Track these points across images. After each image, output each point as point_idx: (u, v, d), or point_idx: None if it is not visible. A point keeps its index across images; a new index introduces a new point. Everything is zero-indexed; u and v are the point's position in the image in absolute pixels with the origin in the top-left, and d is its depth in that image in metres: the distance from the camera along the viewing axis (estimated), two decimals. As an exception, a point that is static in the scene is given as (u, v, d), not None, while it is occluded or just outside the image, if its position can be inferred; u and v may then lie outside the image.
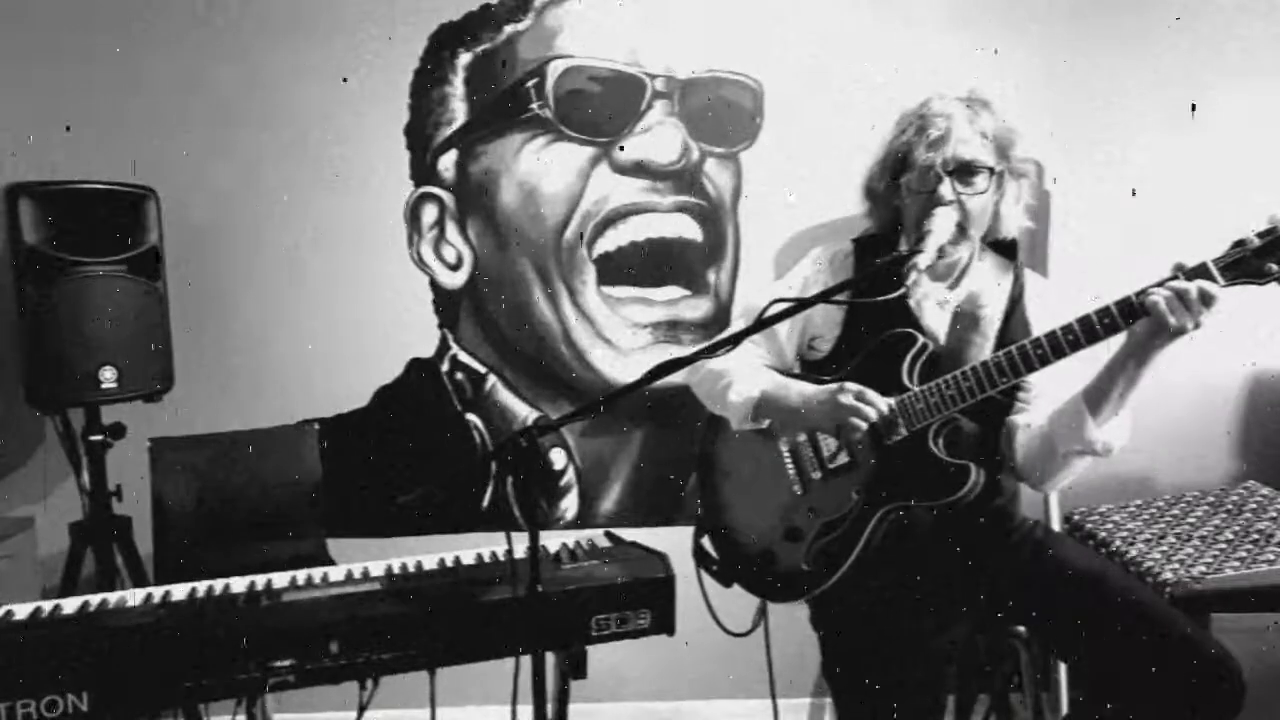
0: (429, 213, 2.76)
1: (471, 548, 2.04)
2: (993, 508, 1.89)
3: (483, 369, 2.80)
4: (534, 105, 2.70)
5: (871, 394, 1.75)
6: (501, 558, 1.98)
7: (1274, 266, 1.54)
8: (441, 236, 2.76)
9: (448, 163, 2.74)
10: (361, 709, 1.88)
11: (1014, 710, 2.36)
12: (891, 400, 1.77)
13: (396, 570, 1.95)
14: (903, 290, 1.63)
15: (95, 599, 1.83)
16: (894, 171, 1.88)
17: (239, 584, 1.90)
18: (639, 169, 2.71)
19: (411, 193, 2.75)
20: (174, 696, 1.77)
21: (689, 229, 2.75)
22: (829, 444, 1.89)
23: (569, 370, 2.79)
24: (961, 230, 1.81)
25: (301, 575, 1.93)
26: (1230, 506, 2.42)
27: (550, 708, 1.92)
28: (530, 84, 2.70)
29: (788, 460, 1.94)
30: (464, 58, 2.71)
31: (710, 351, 1.61)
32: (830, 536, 1.85)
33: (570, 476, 2.84)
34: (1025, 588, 1.85)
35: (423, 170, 2.74)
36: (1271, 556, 2.11)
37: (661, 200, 2.73)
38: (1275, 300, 1.60)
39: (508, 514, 2.82)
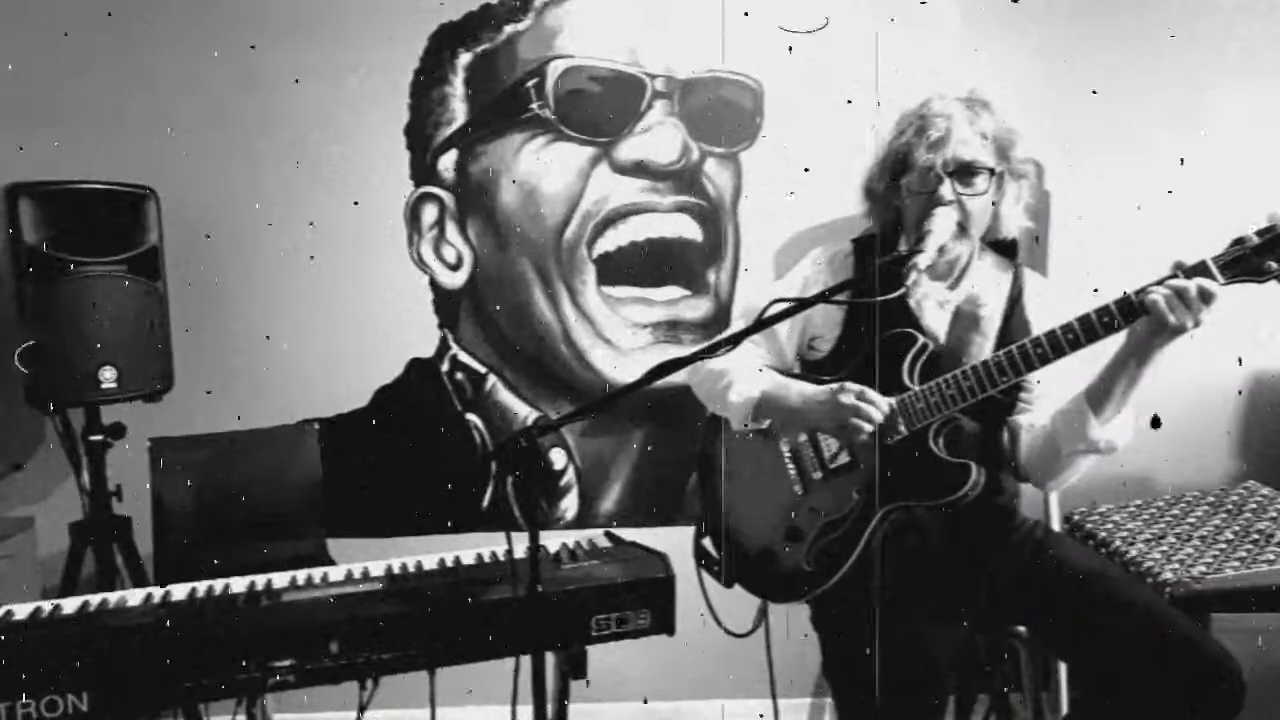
0: (429, 213, 2.75)
1: (471, 548, 2.03)
2: (993, 507, 1.89)
3: (483, 369, 2.80)
4: (534, 105, 2.70)
5: (872, 394, 1.75)
6: (501, 558, 1.97)
7: (1273, 264, 1.54)
8: (441, 236, 2.76)
9: (448, 163, 2.74)
10: (361, 709, 1.88)
11: (1014, 710, 2.36)
12: (892, 400, 1.78)
13: (396, 570, 1.94)
14: (903, 290, 1.63)
15: (95, 599, 1.83)
16: (894, 172, 1.88)
17: (239, 584, 1.89)
18: (639, 169, 2.71)
19: (411, 193, 2.75)
20: (174, 696, 1.76)
21: (689, 229, 2.75)
22: (830, 444, 1.89)
23: (569, 370, 2.79)
24: (961, 230, 1.81)
25: (301, 575, 1.92)
26: (1230, 506, 2.42)
27: (550, 708, 1.92)
28: (530, 84, 2.70)
29: (788, 460, 1.94)
30: (464, 58, 2.70)
31: (710, 351, 1.61)
32: (831, 536, 1.85)
33: (570, 476, 2.83)
34: (1025, 588, 1.85)
35: (423, 170, 2.74)
36: (1271, 556, 2.11)
37: (661, 200, 2.73)
38: (1275, 300, 1.61)
39: (508, 514, 2.82)
